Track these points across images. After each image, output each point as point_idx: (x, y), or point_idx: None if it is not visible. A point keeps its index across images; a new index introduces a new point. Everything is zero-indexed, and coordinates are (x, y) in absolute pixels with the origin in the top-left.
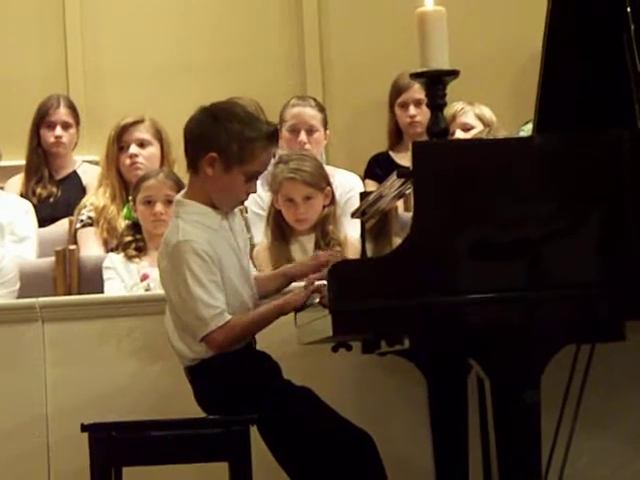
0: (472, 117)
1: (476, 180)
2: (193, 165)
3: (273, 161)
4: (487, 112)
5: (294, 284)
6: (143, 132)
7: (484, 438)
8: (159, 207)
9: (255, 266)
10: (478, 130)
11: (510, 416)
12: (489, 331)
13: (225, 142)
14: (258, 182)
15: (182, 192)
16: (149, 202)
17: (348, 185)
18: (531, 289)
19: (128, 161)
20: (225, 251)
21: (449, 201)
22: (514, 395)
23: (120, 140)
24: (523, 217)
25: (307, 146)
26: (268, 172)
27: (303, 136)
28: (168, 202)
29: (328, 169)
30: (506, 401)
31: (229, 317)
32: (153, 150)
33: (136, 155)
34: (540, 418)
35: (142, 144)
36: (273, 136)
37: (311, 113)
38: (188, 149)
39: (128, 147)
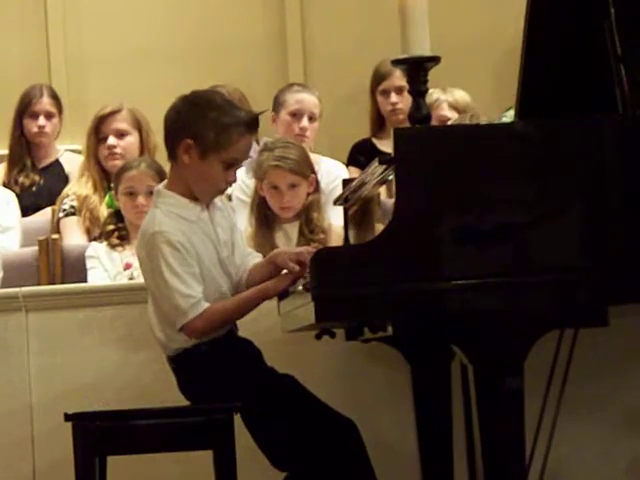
0: (446, 108)
1: (458, 166)
2: (172, 154)
3: (257, 148)
4: (461, 97)
5: None
6: (121, 122)
7: (468, 424)
8: (141, 199)
9: None
10: (454, 120)
11: (493, 402)
12: (471, 317)
13: (201, 128)
14: (243, 169)
15: (163, 182)
16: (131, 193)
17: (333, 173)
18: (514, 275)
19: (106, 152)
20: (202, 243)
21: (431, 187)
22: (497, 381)
23: (98, 131)
24: (506, 203)
25: (307, 132)
26: (253, 159)
27: (305, 122)
28: (150, 193)
29: (313, 157)
30: (489, 387)
31: (206, 305)
32: (132, 139)
33: (114, 146)
34: (523, 404)
35: (120, 134)
36: (251, 123)
37: (314, 101)
38: (167, 137)
39: (107, 138)
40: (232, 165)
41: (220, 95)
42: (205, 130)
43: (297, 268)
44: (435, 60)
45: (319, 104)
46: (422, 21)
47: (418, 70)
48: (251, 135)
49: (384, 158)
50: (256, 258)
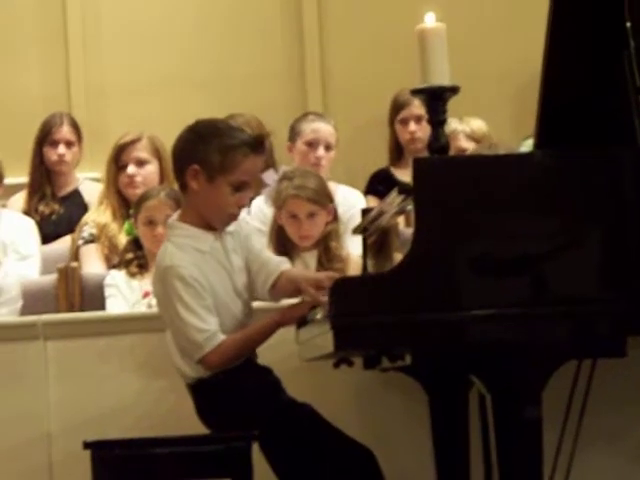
0: (463, 139)
1: (476, 196)
2: (181, 183)
3: (276, 177)
4: (478, 127)
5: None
6: (141, 150)
7: (486, 454)
8: (160, 229)
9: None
10: (473, 149)
11: (511, 432)
12: (490, 347)
13: (205, 153)
14: (261, 197)
15: (175, 215)
16: (150, 222)
17: (351, 201)
18: (532, 305)
19: (126, 180)
20: (216, 273)
21: (450, 217)
22: (515, 411)
23: (118, 160)
24: (524, 233)
25: (323, 162)
26: (272, 188)
27: (321, 151)
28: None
29: (330, 185)
30: (507, 417)
31: (222, 337)
32: (152, 168)
33: (134, 175)
34: (542, 434)
35: (140, 163)
36: (255, 144)
37: (330, 130)
38: (175, 168)
39: (127, 166)
40: (240, 187)
41: (223, 122)
42: (210, 154)
43: (319, 297)
44: (454, 90)
45: (335, 133)
46: (441, 51)
47: (437, 100)
48: (256, 156)
49: (403, 187)
50: (285, 264)
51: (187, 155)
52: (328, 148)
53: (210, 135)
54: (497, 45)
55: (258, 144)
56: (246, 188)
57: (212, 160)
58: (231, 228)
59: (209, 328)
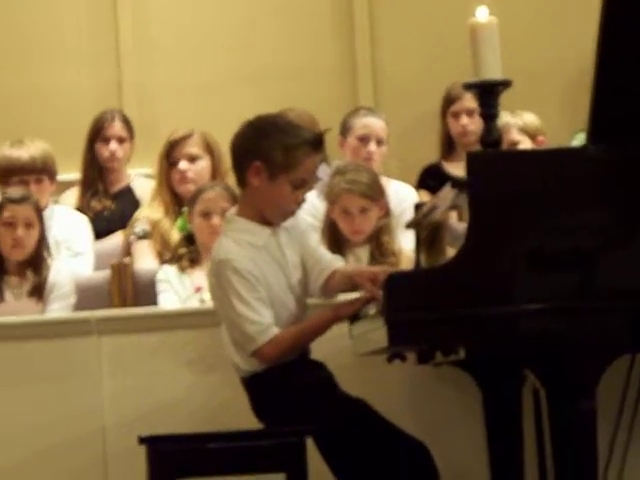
0: (516, 132)
1: (530, 190)
2: (241, 179)
3: (329, 171)
4: (530, 121)
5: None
6: (192, 146)
7: (540, 448)
8: (216, 220)
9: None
10: (524, 144)
11: (566, 426)
12: (543, 341)
13: (268, 150)
14: (313, 192)
15: (233, 209)
16: (206, 214)
17: (402, 196)
18: (585, 299)
19: (178, 176)
20: (271, 269)
21: (503, 211)
22: (570, 405)
23: (170, 156)
24: (577, 227)
25: (375, 156)
26: (324, 182)
27: (373, 146)
28: (224, 215)
29: (382, 180)
30: (562, 411)
31: (276, 331)
32: (203, 164)
33: (186, 171)
34: (596, 428)
35: (192, 158)
36: (316, 142)
37: (382, 125)
38: (235, 164)
39: (178, 162)
40: (300, 185)
41: (283, 117)
42: (272, 151)
43: (376, 291)
44: (506, 84)
45: (386, 128)
46: (493, 45)
47: (489, 94)
48: (317, 154)
49: (456, 182)
50: (339, 262)
51: (248, 151)
52: (380, 143)
53: (272, 132)
54: (548, 38)
55: (319, 143)
56: (305, 185)
57: (275, 158)
58: (287, 224)
59: (263, 321)
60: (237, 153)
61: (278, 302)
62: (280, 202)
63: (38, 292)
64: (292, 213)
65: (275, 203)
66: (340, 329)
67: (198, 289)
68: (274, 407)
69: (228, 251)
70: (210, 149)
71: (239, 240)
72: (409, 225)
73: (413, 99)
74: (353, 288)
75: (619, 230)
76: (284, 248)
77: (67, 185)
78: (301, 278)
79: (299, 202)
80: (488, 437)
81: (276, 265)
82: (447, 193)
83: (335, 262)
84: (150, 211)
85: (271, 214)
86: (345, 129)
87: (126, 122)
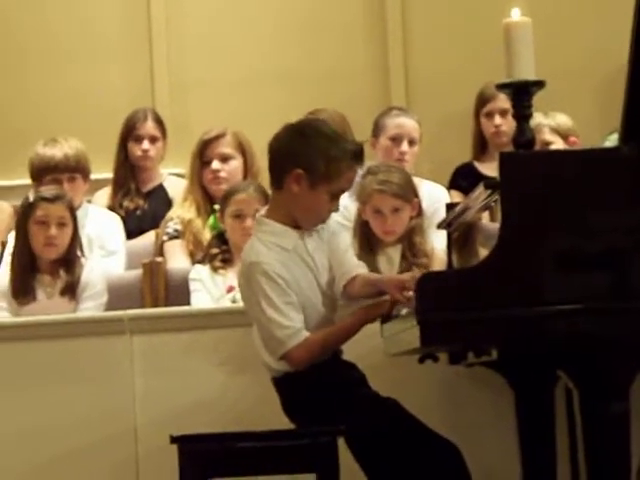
0: (548, 132)
1: (562, 190)
2: (278, 182)
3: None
4: (563, 121)
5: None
6: (225, 146)
7: (573, 450)
8: (249, 222)
9: None
10: (557, 145)
11: (599, 427)
12: (576, 342)
13: (312, 159)
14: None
15: (263, 210)
16: (239, 216)
17: (435, 196)
18: (618, 300)
19: (210, 176)
20: (301, 271)
21: (536, 212)
22: (603, 406)
23: (202, 155)
24: (610, 227)
25: (407, 157)
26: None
27: (405, 146)
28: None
29: (415, 180)
30: (595, 412)
31: (306, 334)
32: (236, 164)
33: (218, 170)
34: (630, 429)
35: (225, 158)
36: (359, 155)
37: (414, 125)
38: (273, 166)
39: (211, 162)
40: (337, 195)
41: (327, 124)
42: (315, 161)
43: (403, 299)
44: (540, 85)
45: (419, 128)
46: (527, 45)
47: (523, 94)
48: (357, 166)
49: (489, 182)
50: (361, 268)
51: (290, 157)
52: (412, 143)
53: (315, 140)
54: (581, 39)
55: (360, 155)
56: (341, 195)
57: (317, 167)
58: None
59: (292, 325)
60: (276, 156)
61: (309, 304)
62: (316, 210)
63: (70, 291)
64: (324, 221)
65: (311, 210)
66: (372, 329)
67: (230, 289)
68: (305, 407)
69: (258, 253)
70: (242, 149)
71: (268, 243)
72: (441, 225)
73: (445, 99)
74: (376, 295)
75: None
76: (313, 251)
77: (100, 184)
78: (330, 280)
79: (332, 211)
80: (520, 438)
81: (306, 267)
82: (479, 193)
83: (357, 268)
84: (182, 211)
85: (304, 220)
86: (377, 129)
87: (158, 121)
